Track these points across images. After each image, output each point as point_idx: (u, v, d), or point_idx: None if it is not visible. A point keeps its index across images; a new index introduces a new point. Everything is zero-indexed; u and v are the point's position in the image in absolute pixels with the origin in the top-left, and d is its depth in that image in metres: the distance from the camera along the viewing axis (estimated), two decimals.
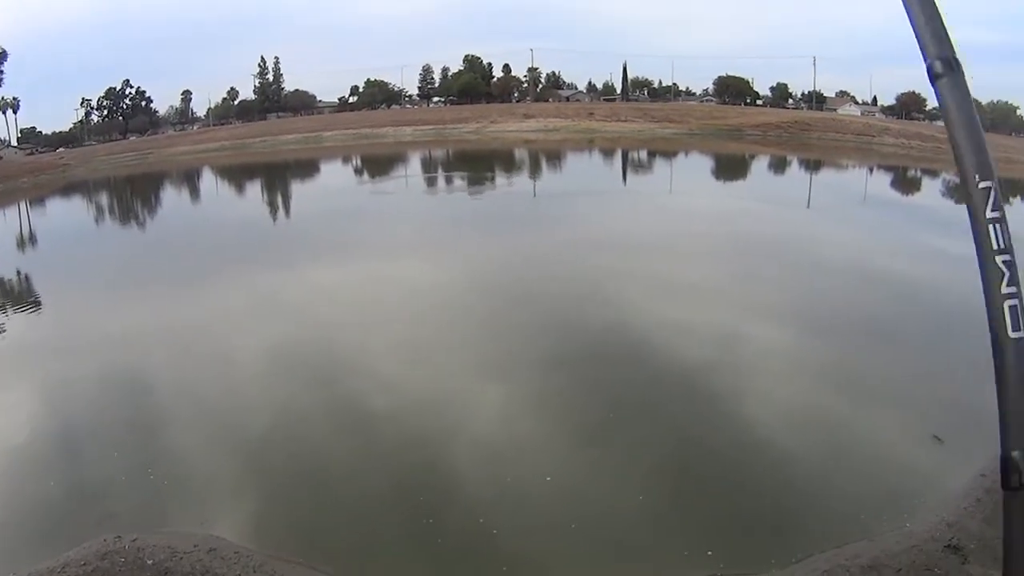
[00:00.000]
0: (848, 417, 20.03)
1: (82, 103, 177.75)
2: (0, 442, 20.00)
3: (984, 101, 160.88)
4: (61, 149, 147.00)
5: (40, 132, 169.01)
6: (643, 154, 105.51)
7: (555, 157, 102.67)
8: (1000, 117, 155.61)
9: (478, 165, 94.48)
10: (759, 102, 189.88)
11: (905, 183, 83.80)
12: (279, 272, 37.31)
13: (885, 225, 50.40)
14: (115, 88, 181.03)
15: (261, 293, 33.88)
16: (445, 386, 22.65)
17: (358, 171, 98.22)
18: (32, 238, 58.58)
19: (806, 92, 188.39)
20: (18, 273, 44.16)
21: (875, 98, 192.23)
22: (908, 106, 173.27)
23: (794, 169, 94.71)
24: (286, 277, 36.59)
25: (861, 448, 18.08)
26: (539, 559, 14.89)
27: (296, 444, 18.96)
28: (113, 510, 16.02)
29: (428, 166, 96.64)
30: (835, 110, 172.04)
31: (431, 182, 78.35)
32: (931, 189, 78.85)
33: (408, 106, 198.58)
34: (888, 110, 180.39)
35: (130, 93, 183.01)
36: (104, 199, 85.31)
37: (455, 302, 31.29)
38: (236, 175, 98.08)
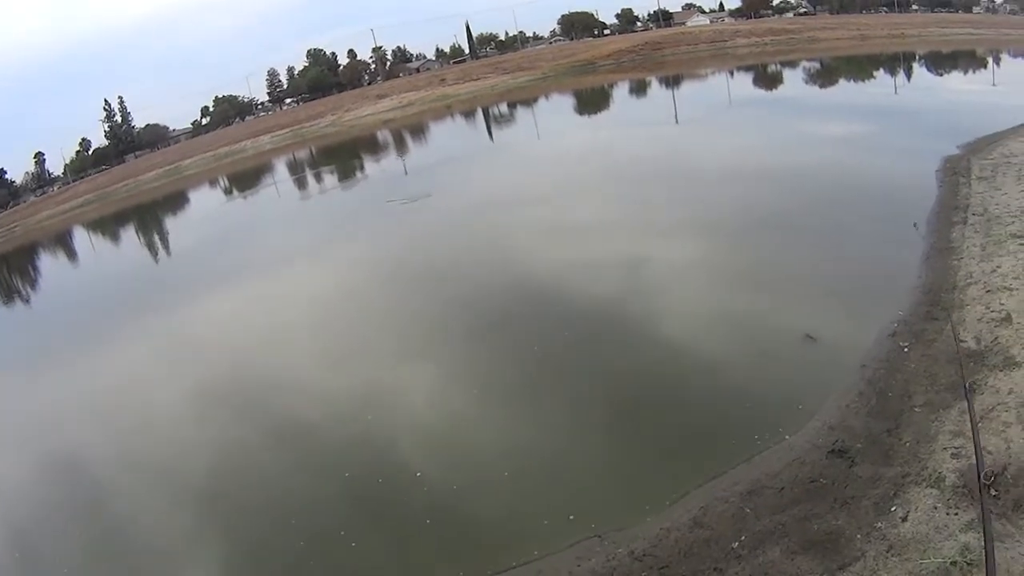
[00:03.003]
0: (719, 330, 19.72)
1: None
2: None
3: None
4: None
5: None
6: (503, 108, 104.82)
7: (417, 131, 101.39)
8: None
9: (343, 156, 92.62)
10: (607, 32, 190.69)
11: (766, 79, 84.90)
12: (190, 305, 36.07)
13: (754, 123, 51.44)
14: None
15: (184, 328, 32.84)
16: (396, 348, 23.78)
17: (227, 191, 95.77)
18: None
19: (652, 12, 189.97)
20: None
21: (721, 4, 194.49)
22: (755, 5, 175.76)
23: (655, 89, 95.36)
24: (192, 309, 35.41)
25: (732, 362, 17.65)
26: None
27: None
28: None
29: (295, 168, 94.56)
30: (684, 23, 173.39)
31: (301, 184, 76.76)
32: (793, 79, 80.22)
33: (262, 114, 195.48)
34: (736, 13, 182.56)
35: None
36: None
37: (367, 292, 30.77)
38: (108, 226, 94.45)
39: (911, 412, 13.49)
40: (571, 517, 13.47)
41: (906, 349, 15.85)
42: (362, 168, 76.08)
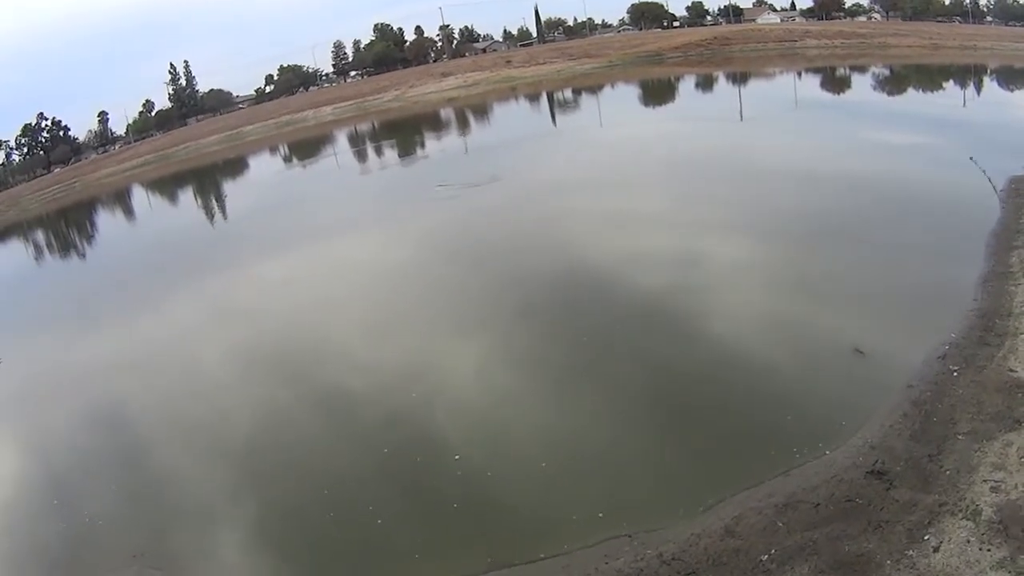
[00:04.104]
0: (768, 336, 19.59)
1: (0, 146, 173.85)
2: None
3: None
4: None
5: None
6: (567, 93, 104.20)
7: (480, 111, 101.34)
8: (922, 4, 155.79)
9: (404, 131, 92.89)
10: (676, 24, 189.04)
11: (834, 82, 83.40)
12: (242, 268, 37.15)
13: (818, 126, 50.70)
14: (31, 124, 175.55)
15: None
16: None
17: (286, 159, 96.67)
18: None
19: (723, 7, 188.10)
20: None
21: (793, 3, 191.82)
22: (827, 6, 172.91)
23: (721, 84, 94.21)
24: (244, 272, 36.45)
25: (778, 369, 17.49)
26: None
27: None
28: None
29: (355, 141, 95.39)
30: (754, 20, 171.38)
31: (361, 156, 77.23)
32: (860, 85, 78.59)
33: (326, 85, 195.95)
34: (808, 13, 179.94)
35: (46, 125, 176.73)
36: (43, 237, 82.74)
37: (423, 271, 30.83)
38: (166, 186, 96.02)
39: (954, 439, 13.28)
40: (601, 514, 13.48)
41: (955, 373, 15.53)
42: (423, 145, 76.49)
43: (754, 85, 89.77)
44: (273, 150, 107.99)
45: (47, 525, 16.97)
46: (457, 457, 16.12)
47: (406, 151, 73.89)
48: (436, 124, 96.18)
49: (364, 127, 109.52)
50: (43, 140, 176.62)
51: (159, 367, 26.06)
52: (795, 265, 24.51)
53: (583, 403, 17.68)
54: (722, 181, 36.31)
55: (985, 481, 11.93)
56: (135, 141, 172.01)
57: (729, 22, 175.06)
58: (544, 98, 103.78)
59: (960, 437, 13.31)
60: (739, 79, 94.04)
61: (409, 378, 20.49)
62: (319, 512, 15.21)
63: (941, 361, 16.21)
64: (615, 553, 12.49)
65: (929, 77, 79.49)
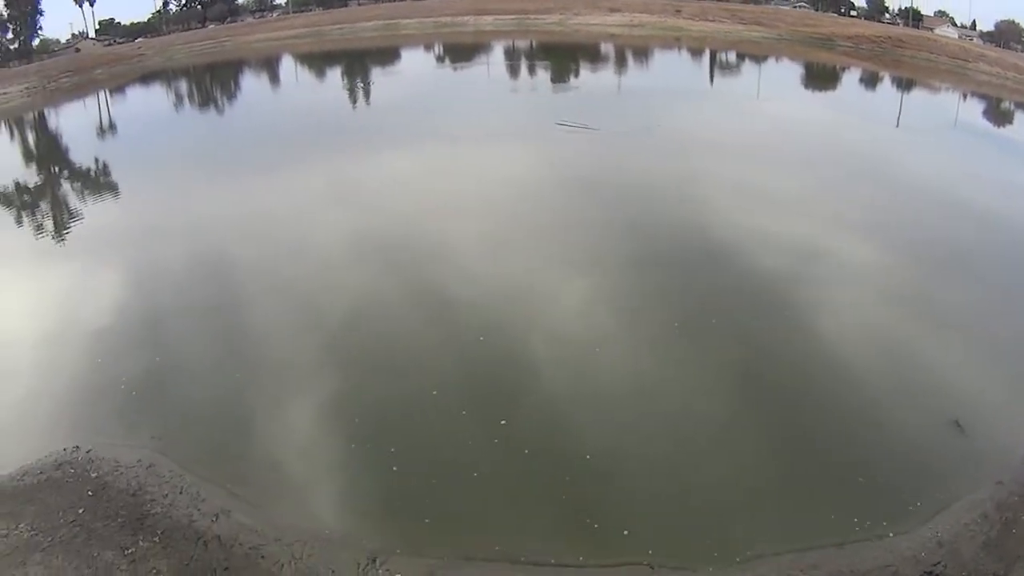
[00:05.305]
0: (869, 375, 18.17)
1: None
2: None
3: None
4: (139, 40, 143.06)
5: (118, 23, 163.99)
6: (731, 56, 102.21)
7: (640, 53, 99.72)
8: None
9: (561, 58, 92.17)
10: (854, 13, 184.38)
11: (998, 114, 79.97)
12: (373, 155, 39.06)
13: (975, 154, 48.46)
14: None
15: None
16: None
17: (439, 59, 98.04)
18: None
19: (903, 7, 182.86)
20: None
21: (974, 22, 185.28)
22: (1006, 35, 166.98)
23: (885, 85, 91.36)
24: (373, 159, 38.36)
25: (867, 421, 16.09)
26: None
27: None
28: None
29: (511, 55, 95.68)
30: (932, 29, 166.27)
31: (514, 72, 78.01)
32: None
33: None
34: (986, 36, 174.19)
35: None
36: (186, 88, 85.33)
37: (546, 200, 31.55)
38: (315, 62, 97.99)
39: None
40: (627, 531, 12.94)
41: None
42: (577, 74, 76.55)
43: (917, 94, 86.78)
44: (428, 48, 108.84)
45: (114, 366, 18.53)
46: (503, 422, 15.86)
47: (560, 77, 73.92)
48: (594, 57, 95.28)
49: (521, 44, 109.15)
50: None
51: (266, 229, 27.73)
52: (919, 300, 23.15)
53: (645, 405, 16.92)
54: (866, 184, 35.47)
55: None
56: (293, 12, 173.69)
57: (907, 25, 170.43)
58: (707, 56, 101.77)
59: None
60: (904, 84, 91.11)
61: (485, 316, 20.81)
62: (347, 435, 15.78)
63: None
64: None
65: None
